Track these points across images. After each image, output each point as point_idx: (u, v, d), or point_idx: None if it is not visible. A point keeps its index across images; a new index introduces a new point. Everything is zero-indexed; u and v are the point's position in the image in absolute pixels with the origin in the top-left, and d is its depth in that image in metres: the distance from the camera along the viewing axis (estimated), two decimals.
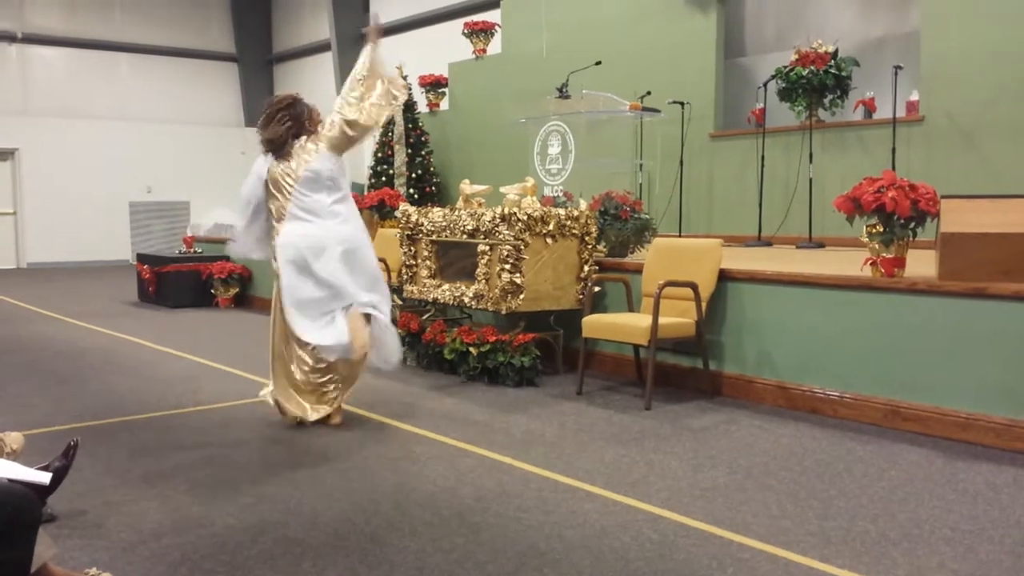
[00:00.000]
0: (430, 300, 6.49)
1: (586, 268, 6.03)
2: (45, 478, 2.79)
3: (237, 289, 10.33)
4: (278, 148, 4.59)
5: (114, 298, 11.25)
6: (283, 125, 4.57)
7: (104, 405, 5.21)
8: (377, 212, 9.67)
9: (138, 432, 4.58)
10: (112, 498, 3.51)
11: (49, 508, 3.19)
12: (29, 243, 17.36)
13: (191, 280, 10.29)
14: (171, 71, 19.08)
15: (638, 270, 5.81)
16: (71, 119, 17.82)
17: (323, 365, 4.59)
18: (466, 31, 12.64)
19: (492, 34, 12.59)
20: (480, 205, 6.32)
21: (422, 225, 6.48)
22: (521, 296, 5.76)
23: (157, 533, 3.14)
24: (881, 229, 4.67)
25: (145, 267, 10.64)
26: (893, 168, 7.38)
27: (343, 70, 17.40)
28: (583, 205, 6.32)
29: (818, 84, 8.27)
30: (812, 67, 8.25)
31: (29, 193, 17.24)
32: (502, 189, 6.17)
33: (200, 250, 11.02)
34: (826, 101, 8.43)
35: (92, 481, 3.71)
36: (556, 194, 7.53)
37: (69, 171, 17.63)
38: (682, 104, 8.98)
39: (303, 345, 4.55)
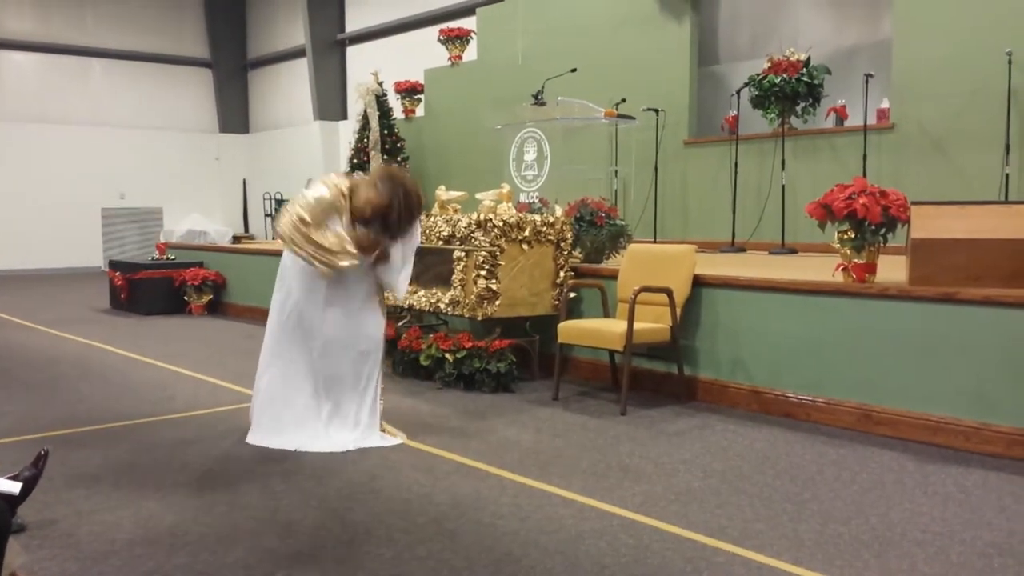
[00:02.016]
0: (406, 306, 6.48)
1: (562, 274, 6.05)
2: (15, 488, 2.75)
3: (210, 296, 10.25)
4: None
5: (86, 305, 11.13)
6: None
7: (75, 413, 5.15)
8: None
9: (110, 441, 4.54)
10: (83, 507, 3.47)
11: (19, 518, 3.15)
12: (0, 249, 17.15)
13: (164, 287, 10.19)
14: (145, 76, 18.93)
15: (613, 276, 5.84)
16: (43, 124, 17.63)
17: None
18: (442, 38, 12.66)
19: (468, 41, 12.61)
20: (456, 211, 6.32)
21: None
22: (497, 302, 5.77)
23: (129, 543, 3.11)
24: (852, 235, 4.72)
25: (117, 274, 10.53)
26: (864, 175, 7.47)
27: (318, 76, 17.39)
28: (559, 211, 6.34)
29: (790, 92, 8.37)
30: (784, 75, 8.35)
31: (0, 199, 17.04)
32: (478, 195, 6.18)
33: (173, 257, 10.93)
34: (798, 109, 8.53)
35: (63, 490, 3.66)
36: (532, 200, 7.55)
37: (41, 177, 17.44)
38: (656, 111, 9.04)
39: None
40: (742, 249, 8.49)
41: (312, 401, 4.38)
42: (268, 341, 4.47)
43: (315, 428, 4.35)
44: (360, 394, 4.41)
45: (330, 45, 17.47)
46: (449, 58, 12.63)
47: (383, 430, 4.48)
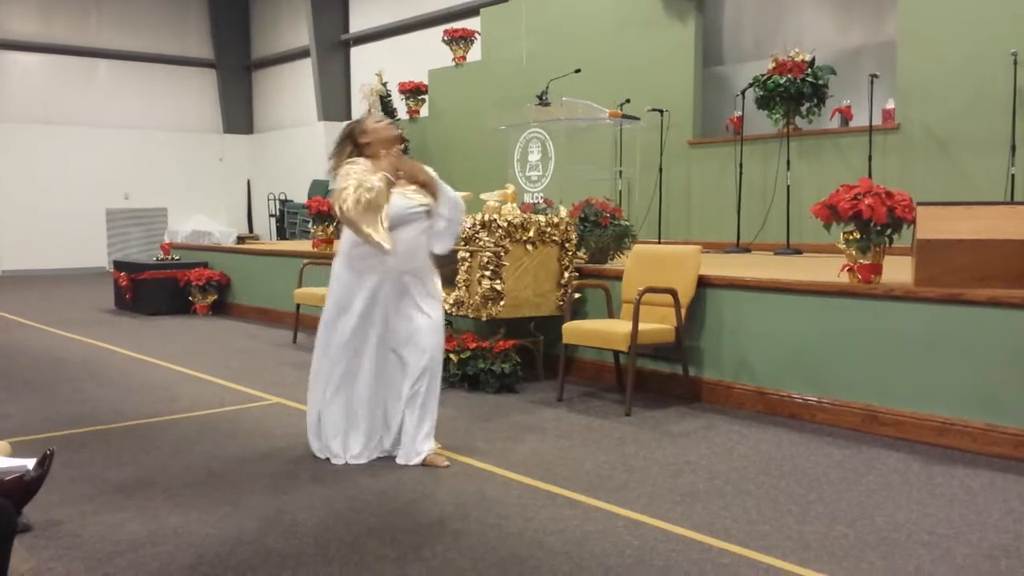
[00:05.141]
0: None
1: (566, 275, 6.05)
2: (29, 463, 2.73)
3: (215, 296, 10.25)
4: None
5: (91, 306, 11.14)
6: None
7: (80, 414, 5.16)
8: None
9: (115, 441, 4.54)
10: (88, 508, 3.48)
11: (25, 518, 3.15)
12: (5, 250, 17.17)
13: (168, 287, 10.20)
14: (149, 77, 18.95)
15: (618, 276, 5.83)
16: (47, 125, 17.66)
17: None
18: (446, 38, 12.67)
19: (472, 41, 12.61)
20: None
21: None
22: (501, 303, 5.77)
23: (134, 544, 3.11)
24: (858, 236, 4.71)
25: (122, 274, 10.55)
26: (869, 175, 7.46)
27: (322, 76, 17.41)
28: (563, 212, 6.33)
29: (795, 92, 8.35)
30: (789, 75, 8.33)
31: (5, 200, 17.06)
32: (482, 196, 6.17)
33: (178, 257, 10.94)
34: (803, 109, 8.51)
35: (68, 491, 3.67)
36: (536, 201, 7.53)
37: (46, 178, 17.47)
38: (661, 112, 9.03)
39: None
40: (747, 250, 8.47)
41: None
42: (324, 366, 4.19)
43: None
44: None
45: (334, 46, 17.48)
46: (453, 58, 12.63)
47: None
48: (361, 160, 4.13)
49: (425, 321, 4.10)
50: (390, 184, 4.02)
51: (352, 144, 4.24)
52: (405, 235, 4.08)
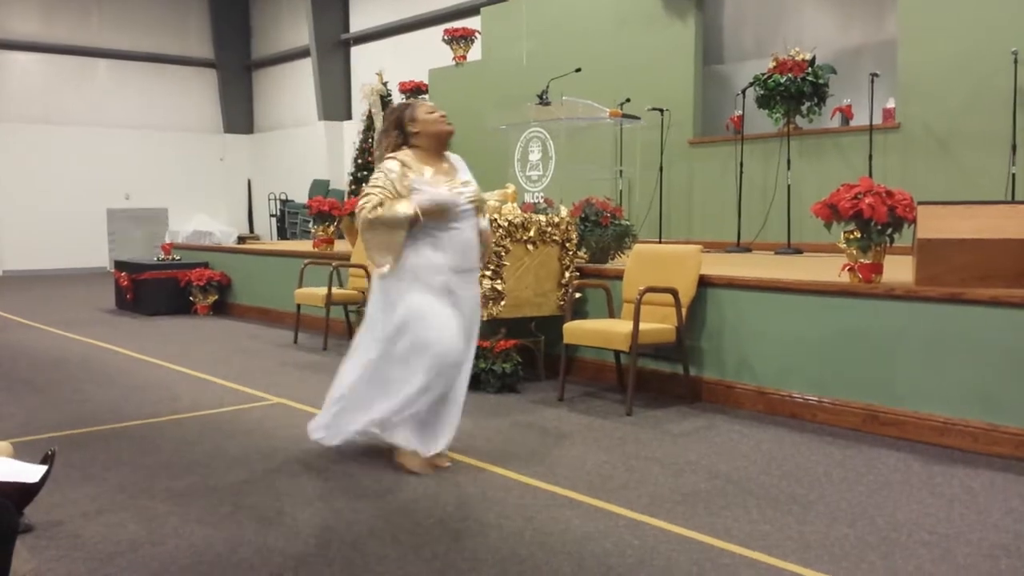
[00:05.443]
0: None
1: (567, 274, 6.05)
2: (35, 475, 2.73)
3: (216, 296, 10.26)
4: None
5: (92, 306, 11.15)
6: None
7: (81, 414, 5.16)
8: (357, 218, 9.64)
9: (115, 441, 4.54)
10: (89, 508, 3.48)
11: (26, 518, 3.15)
12: (6, 251, 17.19)
13: (169, 287, 10.21)
14: (149, 77, 18.96)
15: (619, 276, 5.83)
16: (48, 125, 17.67)
17: None
18: (446, 38, 12.66)
19: (472, 41, 12.60)
20: None
21: None
22: (502, 303, 5.77)
23: (135, 544, 3.11)
24: (859, 235, 4.71)
25: (123, 274, 10.55)
26: (870, 175, 7.46)
27: (322, 76, 17.42)
28: (564, 212, 6.33)
29: (796, 91, 8.34)
30: (790, 74, 8.32)
31: (5, 200, 17.07)
32: (483, 195, 6.16)
33: (179, 257, 10.95)
34: (804, 108, 8.50)
35: (69, 491, 3.67)
36: (537, 200, 7.53)
37: (46, 178, 17.48)
38: (661, 111, 9.02)
39: None
40: (748, 249, 8.47)
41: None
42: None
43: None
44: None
45: (334, 45, 17.48)
46: (453, 58, 12.63)
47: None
48: (401, 156, 3.95)
49: (465, 325, 4.02)
50: (415, 221, 3.84)
51: (399, 130, 4.04)
52: (456, 234, 3.96)
